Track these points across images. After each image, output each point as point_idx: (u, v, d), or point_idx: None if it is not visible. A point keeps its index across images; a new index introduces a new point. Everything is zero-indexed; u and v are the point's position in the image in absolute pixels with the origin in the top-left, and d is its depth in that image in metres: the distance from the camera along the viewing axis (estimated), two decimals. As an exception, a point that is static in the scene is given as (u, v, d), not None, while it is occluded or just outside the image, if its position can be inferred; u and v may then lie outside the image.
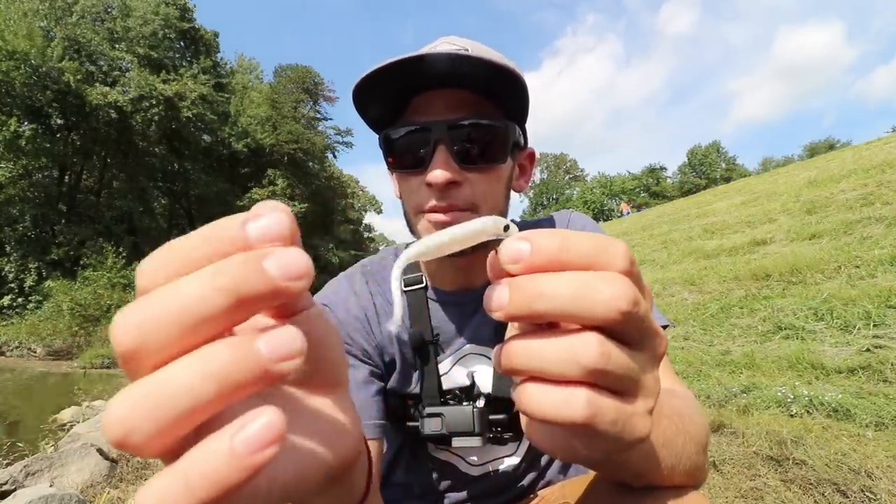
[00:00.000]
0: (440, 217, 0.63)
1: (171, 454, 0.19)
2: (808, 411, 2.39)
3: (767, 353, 3.32)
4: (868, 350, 2.93)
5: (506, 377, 0.72)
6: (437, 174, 0.60)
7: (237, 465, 0.18)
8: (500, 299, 0.25)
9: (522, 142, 0.71)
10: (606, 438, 0.25)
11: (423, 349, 0.75)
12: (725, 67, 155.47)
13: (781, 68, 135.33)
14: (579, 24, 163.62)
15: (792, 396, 2.50)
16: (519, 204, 72.00)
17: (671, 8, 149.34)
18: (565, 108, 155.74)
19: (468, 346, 0.77)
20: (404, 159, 0.66)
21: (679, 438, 0.43)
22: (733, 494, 1.81)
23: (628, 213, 32.22)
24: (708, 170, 60.18)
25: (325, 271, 32.27)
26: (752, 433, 2.17)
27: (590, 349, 0.24)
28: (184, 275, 0.19)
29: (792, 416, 2.40)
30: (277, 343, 0.19)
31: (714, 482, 1.90)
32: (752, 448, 2.06)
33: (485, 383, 0.75)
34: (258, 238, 0.19)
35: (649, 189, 61.87)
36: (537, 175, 69.88)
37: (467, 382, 0.76)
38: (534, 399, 0.25)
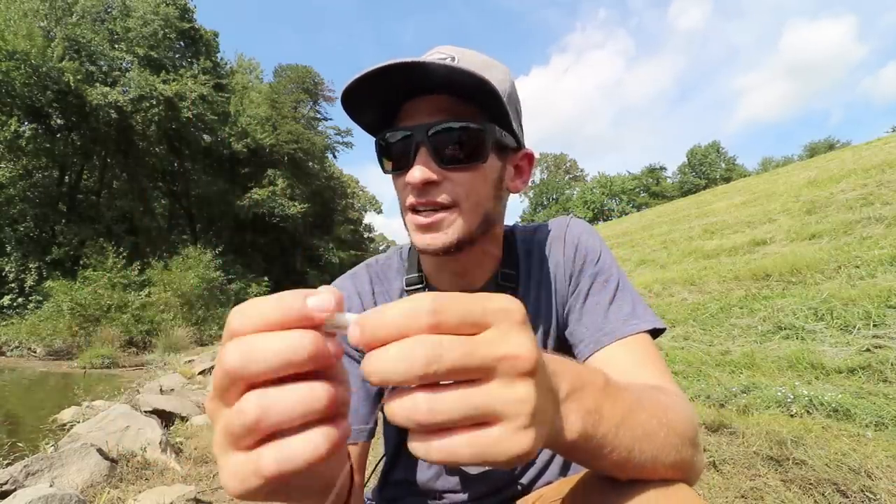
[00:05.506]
0: (420, 220, 0.67)
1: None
2: (808, 411, 2.39)
3: (767, 353, 3.32)
4: (868, 350, 2.93)
5: None
6: (415, 173, 0.65)
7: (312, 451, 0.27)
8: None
9: (514, 143, 0.73)
10: (480, 464, 0.29)
11: None
12: (730, 66, 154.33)
13: (788, 66, 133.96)
14: (588, 21, 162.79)
15: (792, 396, 2.50)
16: (519, 204, 72.07)
17: (680, 4, 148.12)
18: (570, 106, 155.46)
19: None
20: (393, 162, 0.70)
21: (661, 432, 0.45)
22: (733, 494, 1.81)
23: None
24: (708, 170, 60.14)
25: (325, 271, 32.23)
26: (752, 433, 2.17)
27: (418, 407, 0.27)
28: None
29: (792, 416, 2.40)
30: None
31: (714, 482, 1.91)
32: (752, 448, 2.06)
33: None
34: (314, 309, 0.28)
35: (649, 189, 61.86)
36: (537, 175, 69.87)
37: None
38: (413, 447, 0.29)
